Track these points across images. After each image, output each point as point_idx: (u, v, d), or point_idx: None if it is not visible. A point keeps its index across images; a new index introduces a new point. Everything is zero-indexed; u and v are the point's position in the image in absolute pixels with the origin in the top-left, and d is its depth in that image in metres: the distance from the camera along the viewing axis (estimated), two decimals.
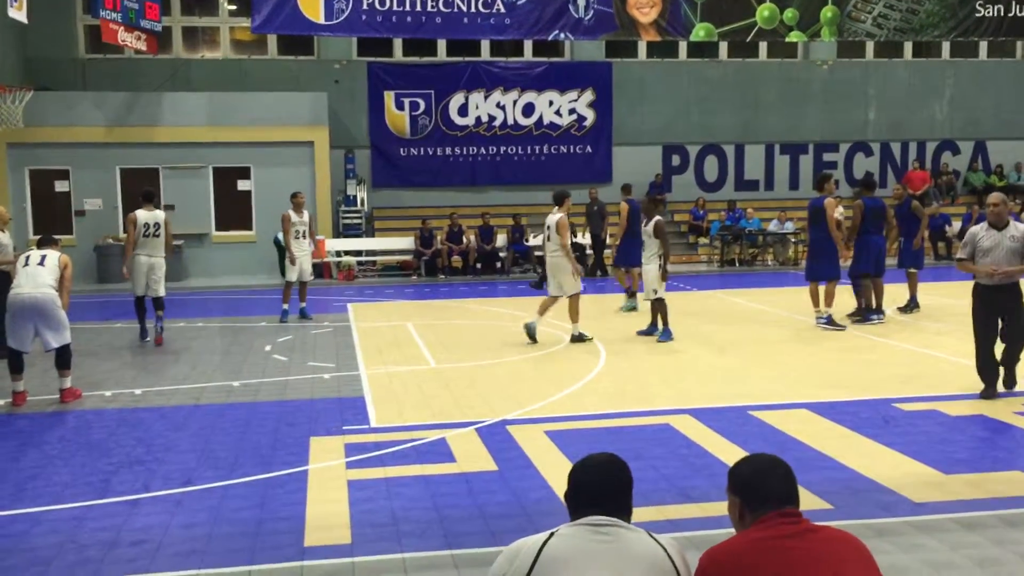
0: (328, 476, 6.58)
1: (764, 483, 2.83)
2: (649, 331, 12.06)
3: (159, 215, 12.66)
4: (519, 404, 8.57)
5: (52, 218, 19.60)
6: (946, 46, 25.15)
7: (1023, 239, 8.14)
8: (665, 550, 2.71)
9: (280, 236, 14.18)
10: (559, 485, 6.17)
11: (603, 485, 2.87)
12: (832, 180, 13.39)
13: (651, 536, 2.77)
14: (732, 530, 2.93)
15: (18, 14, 15.79)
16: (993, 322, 8.36)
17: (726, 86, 24.28)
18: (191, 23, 22.58)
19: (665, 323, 11.82)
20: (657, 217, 11.84)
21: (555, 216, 11.71)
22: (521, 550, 2.74)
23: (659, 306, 11.81)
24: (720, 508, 2.98)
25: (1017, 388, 8.81)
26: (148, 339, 12.50)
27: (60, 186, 20.02)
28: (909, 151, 25.24)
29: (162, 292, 12.55)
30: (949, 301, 15.20)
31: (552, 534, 2.75)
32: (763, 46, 24.26)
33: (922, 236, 13.90)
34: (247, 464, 6.90)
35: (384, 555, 5.17)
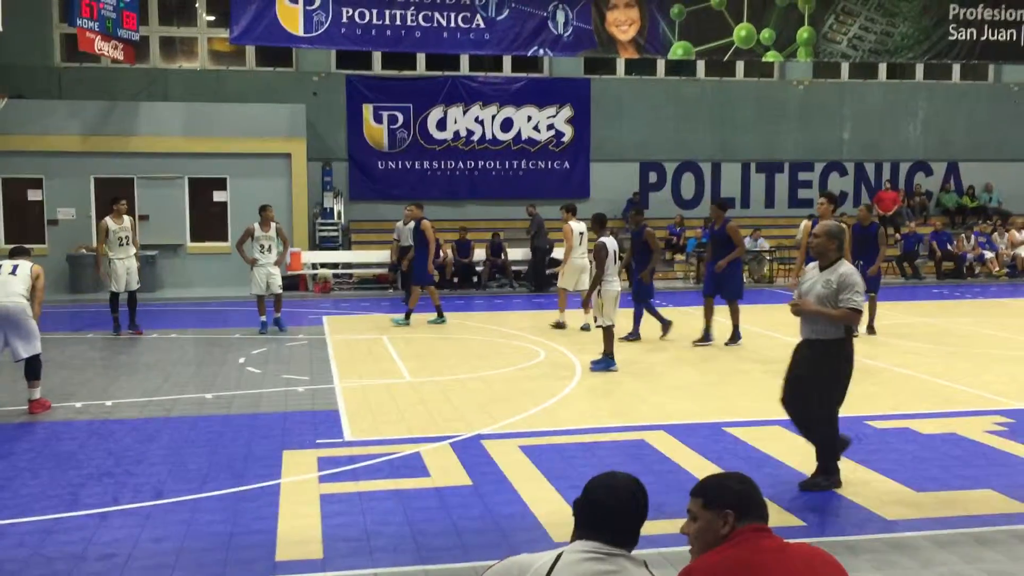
0: (301, 490, 6.52)
1: (752, 497, 2.82)
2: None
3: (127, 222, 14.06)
4: (494, 419, 8.55)
5: (24, 227, 19.39)
6: (920, 68, 25.48)
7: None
8: None
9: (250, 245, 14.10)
10: (534, 500, 6.17)
11: (620, 512, 2.77)
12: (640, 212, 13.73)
13: (649, 570, 2.72)
14: None
15: None
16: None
17: (703, 104, 24.46)
18: (169, 33, 22.47)
19: (606, 351, 11.05)
20: (603, 238, 11.20)
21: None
22: (525, 572, 2.66)
23: (605, 333, 11.05)
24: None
25: (988, 407, 8.90)
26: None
27: (33, 195, 19.81)
28: (883, 171, 25.50)
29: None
30: (920, 320, 15.35)
31: (558, 558, 2.66)
32: (740, 65, 24.47)
33: (878, 265, 13.33)
34: (219, 477, 6.83)
35: (356, 570, 5.13)
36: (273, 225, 14.18)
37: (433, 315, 14.83)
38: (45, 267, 9.46)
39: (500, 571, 2.74)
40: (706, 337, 12.95)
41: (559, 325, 14.31)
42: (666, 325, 13.36)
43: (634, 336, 13.11)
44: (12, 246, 9.83)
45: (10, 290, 8.66)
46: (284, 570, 5.13)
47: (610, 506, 2.76)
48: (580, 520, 2.79)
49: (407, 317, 14.60)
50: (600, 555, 2.67)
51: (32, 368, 8.85)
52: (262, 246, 14.06)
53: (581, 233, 14.13)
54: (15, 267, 8.86)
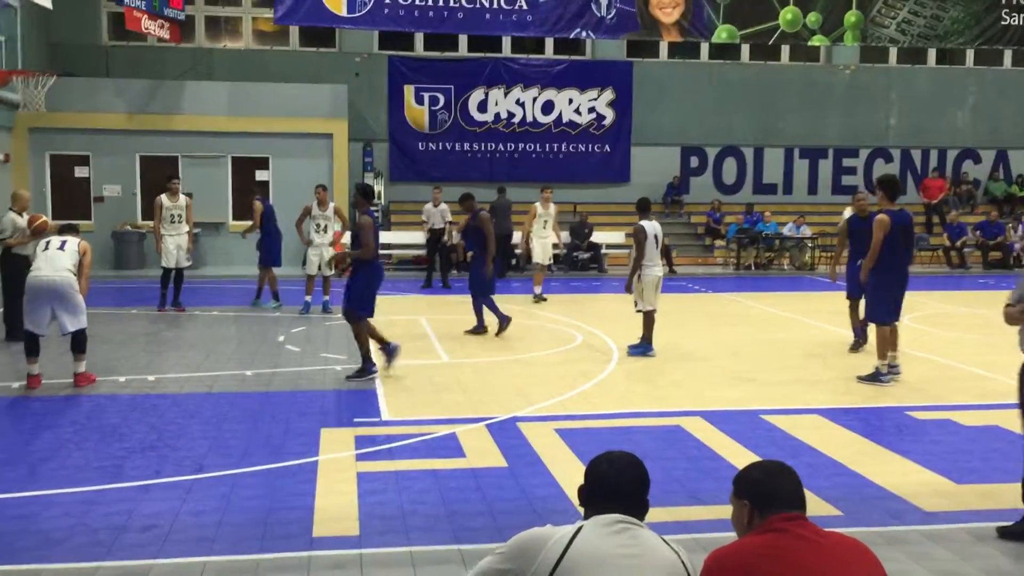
0: (338, 468, 6.60)
1: (773, 487, 2.83)
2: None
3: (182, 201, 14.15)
4: (530, 401, 8.57)
5: (72, 203, 19.71)
6: (970, 54, 24.97)
7: None
8: (679, 556, 2.72)
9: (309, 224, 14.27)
10: (568, 482, 6.19)
11: (625, 482, 2.86)
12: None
13: (665, 541, 2.77)
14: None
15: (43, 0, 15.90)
16: None
17: (747, 89, 24.19)
18: (214, 12, 22.65)
19: (644, 336, 11.03)
20: (643, 222, 10.91)
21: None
22: (547, 542, 2.71)
23: (645, 318, 11.03)
24: (729, 511, 2.97)
25: None
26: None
27: (80, 172, 20.13)
28: (930, 158, 25.08)
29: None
30: (964, 310, 15.12)
31: (578, 531, 2.73)
32: (785, 49, 24.14)
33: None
34: (258, 453, 6.93)
35: (392, 548, 5.18)
36: (331, 205, 14.29)
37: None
38: (91, 243, 9.62)
39: (520, 542, 2.79)
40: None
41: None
42: (504, 321, 12.12)
43: (480, 328, 12.25)
44: (62, 223, 10.00)
45: (58, 265, 8.82)
46: (321, 546, 5.20)
47: (615, 479, 2.86)
48: (589, 499, 2.88)
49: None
50: (618, 527, 2.73)
51: (78, 342, 9.02)
52: (318, 225, 14.15)
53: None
54: (63, 243, 9.02)
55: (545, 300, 15.45)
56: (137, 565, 4.92)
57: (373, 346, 9.79)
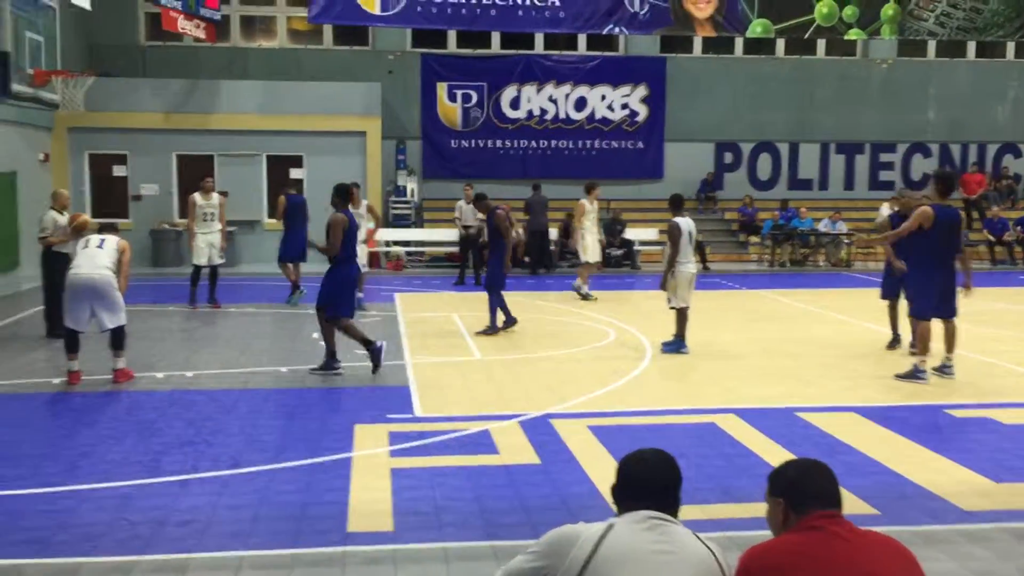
0: (372, 464, 6.63)
1: (808, 485, 2.81)
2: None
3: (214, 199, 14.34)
4: (563, 398, 8.56)
5: (110, 202, 19.97)
6: (1010, 46, 24.53)
7: None
8: (712, 552, 2.71)
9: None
10: (601, 480, 6.17)
11: (657, 479, 2.87)
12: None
13: (699, 538, 2.76)
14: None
15: (81, 0, 16.13)
16: None
17: (782, 84, 23.97)
18: (249, 12, 22.85)
19: (678, 333, 10.99)
20: (677, 219, 10.87)
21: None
22: (578, 539, 2.71)
23: (678, 314, 11.00)
24: (764, 508, 2.95)
25: None
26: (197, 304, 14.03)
27: (118, 171, 20.39)
28: (969, 153, 24.72)
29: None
30: (1005, 307, 14.89)
31: (610, 527, 2.72)
32: (821, 44, 23.89)
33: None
34: (293, 449, 6.99)
35: (425, 543, 5.20)
36: (363, 203, 14.38)
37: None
38: (129, 241, 9.74)
39: (552, 539, 2.80)
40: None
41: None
42: (510, 322, 12.15)
43: (509, 322, 12.18)
44: (101, 222, 10.14)
45: (97, 263, 8.96)
46: (356, 541, 5.23)
47: (646, 476, 2.87)
48: (621, 496, 2.88)
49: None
50: (649, 523, 2.73)
51: (117, 338, 9.15)
52: None
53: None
54: (102, 241, 9.15)
55: (595, 299, 15.29)
56: (175, 559, 4.97)
57: (341, 344, 9.76)
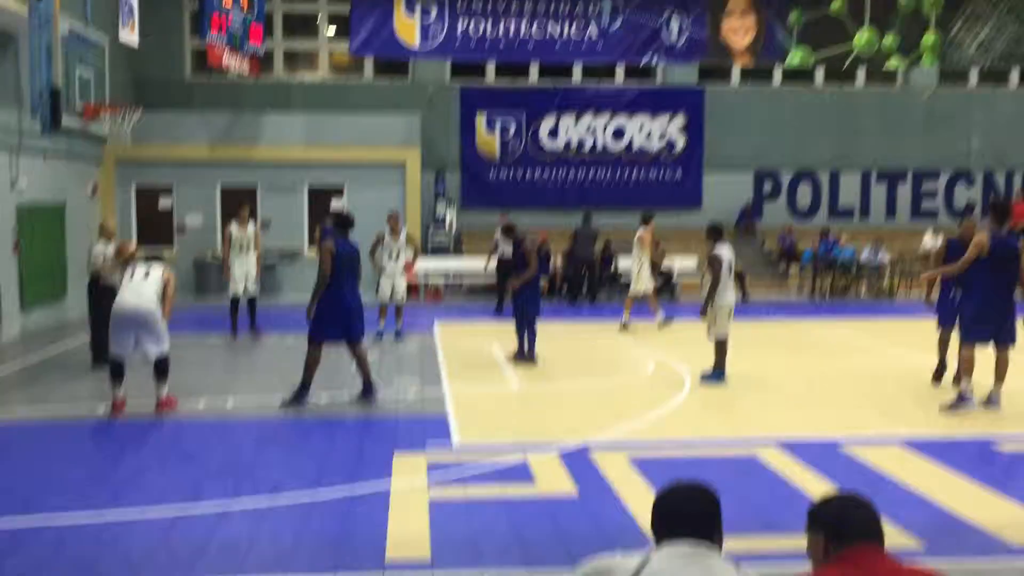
0: (410, 493, 6.65)
1: (849, 519, 2.78)
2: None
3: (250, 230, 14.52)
4: (602, 429, 8.53)
5: (156, 233, 20.32)
6: None
7: None
8: None
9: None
10: (640, 512, 6.13)
11: (693, 510, 2.84)
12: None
13: (740, 570, 2.72)
14: None
15: (129, 36, 16.53)
16: None
17: (822, 112, 23.84)
18: (292, 47, 23.26)
19: (717, 364, 10.98)
20: (717, 249, 10.87)
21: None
22: (614, 571, 2.70)
23: (717, 346, 10.99)
24: (805, 541, 2.92)
25: None
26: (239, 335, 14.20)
27: (164, 203, 20.76)
28: (1013, 181, 24.37)
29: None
30: None
31: (646, 560, 2.70)
32: (861, 73, 23.77)
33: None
34: (332, 477, 7.02)
35: (464, 570, 5.20)
36: (403, 233, 14.48)
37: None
38: (173, 271, 9.91)
39: (589, 571, 2.79)
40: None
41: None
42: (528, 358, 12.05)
43: (526, 357, 12.09)
44: (148, 255, 10.33)
45: (143, 293, 9.12)
46: (393, 570, 5.25)
47: (681, 507, 2.84)
48: (659, 529, 2.86)
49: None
50: (687, 555, 2.70)
51: (161, 368, 9.28)
52: (390, 253, 14.32)
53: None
54: (148, 272, 9.32)
55: (628, 328, 15.26)
56: None
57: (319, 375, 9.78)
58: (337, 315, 9.62)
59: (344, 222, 9.98)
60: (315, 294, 9.65)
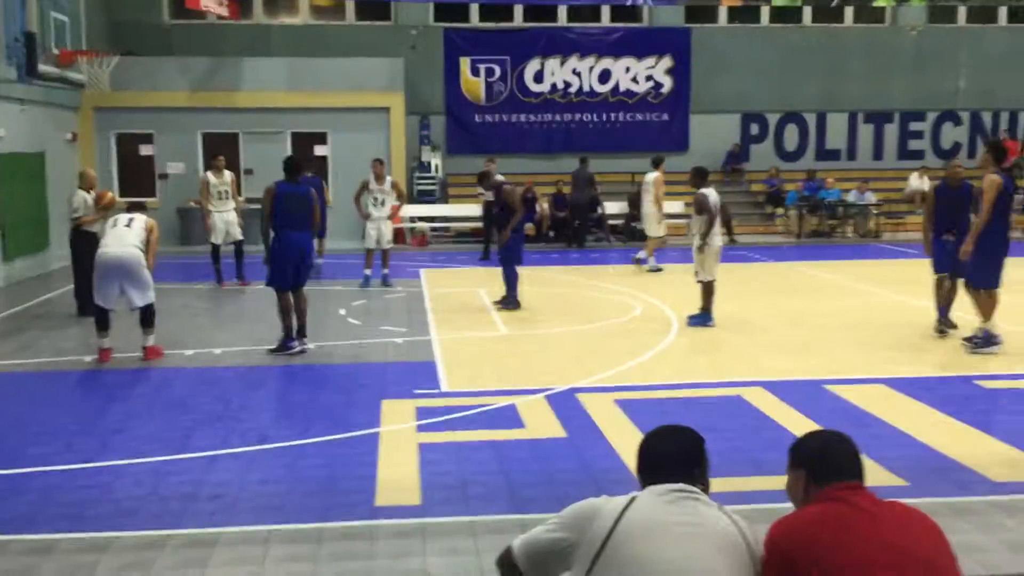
0: (399, 439, 6.67)
1: (830, 456, 2.80)
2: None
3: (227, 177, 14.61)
4: (589, 372, 8.56)
5: (137, 180, 20.09)
6: None
7: None
8: (737, 526, 2.69)
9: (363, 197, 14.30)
10: (628, 453, 6.17)
11: (677, 452, 2.86)
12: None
13: (724, 512, 2.74)
14: None
15: None
16: None
17: (809, 53, 23.62)
18: None
19: (704, 307, 10.98)
20: (705, 191, 10.85)
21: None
22: (599, 512, 2.70)
23: (704, 288, 10.98)
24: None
25: None
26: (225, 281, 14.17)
27: (145, 150, 20.50)
28: (1000, 120, 24.31)
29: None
30: None
31: (632, 501, 2.71)
32: (849, 11, 23.52)
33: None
34: (320, 424, 7.04)
35: (453, 517, 5.24)
36: (388, 179, 14.39)
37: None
38: (157, 220, 9.82)
39: (574, 511, 2.79)
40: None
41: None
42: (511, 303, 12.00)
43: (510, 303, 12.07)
44: (129, 200, 10.23)
45: (126, 241, 9.04)
46: (384, 515, 5.28)
47: (665, 449, 2.88)
48: (644, 472, 2.88)
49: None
50: (672, 496, 2.71)
51: (147, 316, 9.24)
52: (375, 200, 14.23)
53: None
54: (130, 220, 9.24)
55: (661, 270, 15.43)
56: (206, 533, 5.04)
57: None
58: (287, 258, 9.55)
59: (289, 165, 9.98)
60: (264, 239, 9.64)
